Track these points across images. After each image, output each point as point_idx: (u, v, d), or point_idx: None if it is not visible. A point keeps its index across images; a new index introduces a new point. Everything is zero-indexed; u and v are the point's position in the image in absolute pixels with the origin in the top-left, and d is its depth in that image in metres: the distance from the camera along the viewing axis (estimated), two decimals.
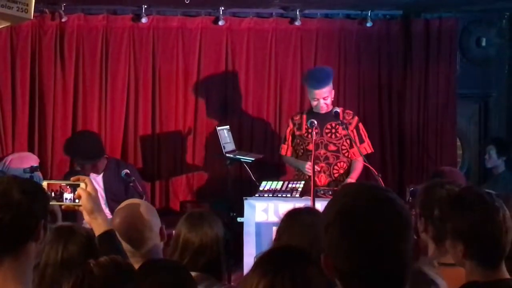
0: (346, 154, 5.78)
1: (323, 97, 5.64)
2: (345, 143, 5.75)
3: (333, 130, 5.74)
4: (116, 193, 5.86)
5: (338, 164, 5.76)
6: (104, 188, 5.90)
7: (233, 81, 6.97)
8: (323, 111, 5.67)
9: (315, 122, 5.39)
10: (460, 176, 5.24)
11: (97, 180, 5.88)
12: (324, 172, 5.71)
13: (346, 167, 5.78)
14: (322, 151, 5.72)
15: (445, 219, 2.41)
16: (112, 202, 5.81)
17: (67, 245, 2.47)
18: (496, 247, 2.32)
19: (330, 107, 5.70)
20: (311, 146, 5.49)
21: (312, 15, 7.07)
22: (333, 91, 5.74)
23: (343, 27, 7.08)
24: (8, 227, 1.93)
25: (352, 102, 6.94)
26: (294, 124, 5.91)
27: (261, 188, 5.57)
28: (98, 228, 2.56)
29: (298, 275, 1.97)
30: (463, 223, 2.35)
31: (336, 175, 5.75)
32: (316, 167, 5.45)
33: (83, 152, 5.90)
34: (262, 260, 2.06)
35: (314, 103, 5.70)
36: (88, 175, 5.71)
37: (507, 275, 2.35)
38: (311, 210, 3.03)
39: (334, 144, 5.75)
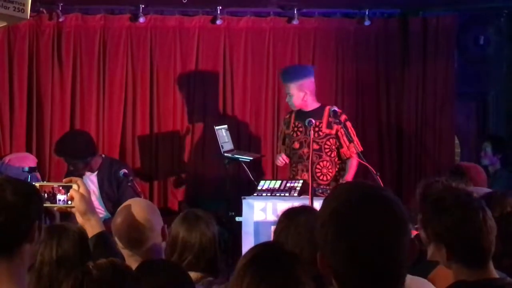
0: (329, 154, 5.75)
1: (288, 92, 5.76)
2: (328, 142, 5.73)
3: (317, 129, 5.73)
4: (109, 192, 5.86)
5: (321, 163, 5.74)
6: (99, 186, 5.88)
7: (231, 80, 6.97)
8: (292, 108, 5.80)
9: (313, 121, 5.42)
10: (480, 172, 5.22)
11: (91, 179, 5.87)
12: (307, 171, 5.70)
13: (330, 167, 5.75)
14: (306, 150, 5.72)
15: (427, 224, 2.40)
16: (107, 201, 5.81)
17: (61, 242, 2.47)
18: (478, 249, 2.32)
19: (308, 106, 5.72)
20: (296, 145, 5.60)
21: (310, 14, 7.06)
22: (306, 92, 5.70)
23: (341, 26, 7.08)
24: (2, 229, 1.91)
25: (350, 101, 6.94)
26: (284, 123, 5.98)
27: (259, 187, 5.56)
28: (91, 229, 2.55)
29: (291, 277, 1.97)
30: (441, 227, 2.34)
31: (318, 174, 5.72)
32: (300, 166, 5.48)
33: (73, 152, 5.80)
34: (252, 263, 2.05)
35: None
36: (83, 174, 5.74)
37: (495, 275, 2.34)
38: (307, 209, 3.03)
39: (317, 143, 5.73)
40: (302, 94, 5.72)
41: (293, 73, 5.85)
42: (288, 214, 2.95)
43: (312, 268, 2.72)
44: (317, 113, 5.69)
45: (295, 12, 6.87)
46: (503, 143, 6.66)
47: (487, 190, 3.61)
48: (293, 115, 5.86)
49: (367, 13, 6.95)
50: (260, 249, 2.13)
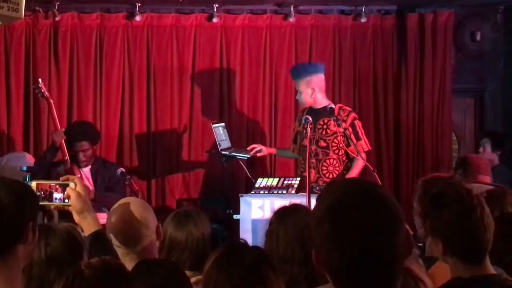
0: (337, 152, 5.75)
1: (297, 90, 5.84)
2: (335, 140, 5.73)
3: (325, 126, 5.74)
4: (101, 188, 5.91)
5: (327, 160, 5.75)
6: (93, 180, 5.94)
7: (228, 78, 6.96)
8: (301, 105, 5.85)
9: (310, 119, 5.41)
10: (485, 164, 5.23)
11: (85, 172, 5.94)
12: (314, 168, 5.70)
13: (337, 165, 5.75)
14: (313, 147, 5.72)
15: (425, 216, 2.42)
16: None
17: (49, 241, 2.45)
18: (474, 245, 2.32)
19: (318, 103, 5.73)
20: (305, 142, 5.55)
21: (306, 11, 7.06)
22: (314, 89, 5.72)
23: (338, 23, 7.07)
24: None
25: (347, 98, 6.94)
26: (297, 121, 6.02)
27: (257, 185, 5.56)
28: (88, 228, 2.55)
29: (256, 275, 1.99)
30: (438, 222, 2.36)
31: (324, 171, 5.73)
32: (305, 164, 5.49)
33: (93, 135, 6.01)
34: (216, 264, 2.06)
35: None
36: (88, 161, 5.80)
37: (492, 271, 2.35)
38: (297, 208, 3.03)
39: (324, 140, 5.75)
40: (310, 91, 5.72)
41: (301, 70, 5.90)
42: (277, 215, 2.96)
43: (303, 269, 2.74)
44: (326, 111, 5.68)
45: (292, 9, 6.87)
46: (502, 139, 6.65)
47: (487, 187, 3.60)
48: (305, 113, 5.84)
49: (363, 9, 6.95)
50: (223, 250, 2.14)
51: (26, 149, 6.53)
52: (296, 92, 5.93)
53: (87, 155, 5.93)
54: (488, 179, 4.98)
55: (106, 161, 6.24)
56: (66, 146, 5.82)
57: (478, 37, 7.31)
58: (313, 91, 5.72)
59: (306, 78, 5.73)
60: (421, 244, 3.06)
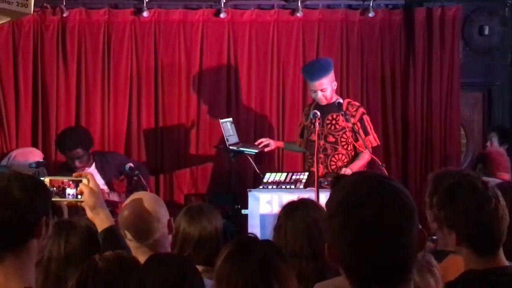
0: (346, 147, 5.73)
1: (321, 89, 5.63)
2: (344, 135, 5.71)
3: (333, 122, 5.72)
4: (111, 182, 5.92)
5: (336, 156, 5.73)
6: (101, 176, 5.90)
7: (235, 73, 6.96)
8: (322, 103, 5.69)
9: (318, 114, 5.41)
10: (505, 161, 5.23)
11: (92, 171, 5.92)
12: (322, 163, 5.69)
13: (346, 160, 5.73)
14: (322, 142, 5.70)
15: (440, 207, 2.43)
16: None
17: (69, 238, 2.46)
18: (488, 236, 2.33)
19: (333, 99, 5.69)
20: (313, 136, 5.54)
21: (314, 6, 7.05)
22: (334, 83, 5.71)
23: (345, 17, 7.06)
24: (8, 225, 1.91)
25: (355, 93, 6.93)
26: (304, 115, 5.98)
27: (265, 180, 5.57)
28: (100, 223, 2.56)
29: (268, 268, 2.00)
30: (453, 212, 2.37)
31: (333, 167, 5.71)
32: (315, 158, 5.49)
33: (86, 141, 5.89)
34: (228, 259, 2.08)
35: (313, 95, 5.74)
36: (84, 166, 5.80)
37: (505, 263, 2.35)
38: (305, 203, 3.04)
39: (333, 135, 5.73)
40: (334, 85, 5.71)
41: (320, 68, 5.74)
42: (286, 210, 2.97)
43: (312, 263, 2.75)
44: (334, 106, 5.65)
45: (299, 4, 6.86)
46: (510, 133, 6.65)
47: (498, 180, 3.60)
48: (312, 108, 5.82)
49: (371, 4, 6.94)
50: (234, 246, 2.15)
51: (34, 144, 6.54)
52: (305, 89, 5.87)
53: (82, 161, 5.84)
54: (507, 176, 4.98)
55: (102, 153, 6.19)
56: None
57: (486, 31, 7.29)
58: (335, 84, 5.73)
59: (328, 74, 5.67)
60: (434, 237, 3.07)
